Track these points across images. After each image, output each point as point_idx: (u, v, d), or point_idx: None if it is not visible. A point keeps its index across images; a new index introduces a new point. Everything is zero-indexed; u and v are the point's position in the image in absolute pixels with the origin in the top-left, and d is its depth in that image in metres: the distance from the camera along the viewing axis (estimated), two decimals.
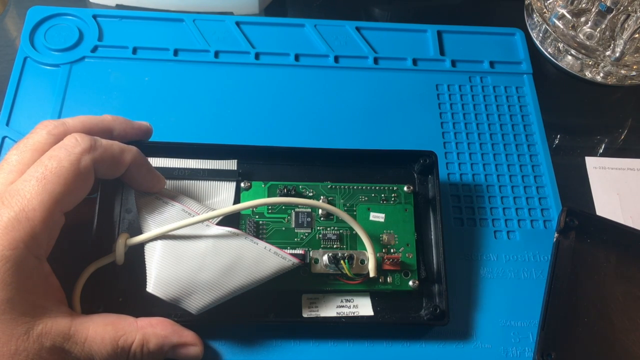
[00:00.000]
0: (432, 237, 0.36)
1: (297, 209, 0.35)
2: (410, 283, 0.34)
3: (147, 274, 0.31)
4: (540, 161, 0.42)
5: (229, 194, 0.35)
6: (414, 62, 0.45)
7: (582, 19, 0.47)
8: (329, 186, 0.36)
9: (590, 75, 0.47)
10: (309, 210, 0.35)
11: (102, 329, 0.28)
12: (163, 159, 0.35)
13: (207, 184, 0.35)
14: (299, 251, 0.33)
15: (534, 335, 0.35)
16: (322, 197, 0.36)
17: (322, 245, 0.34)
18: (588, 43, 0.46)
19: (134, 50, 0.43)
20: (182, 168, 0.35)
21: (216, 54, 0.44)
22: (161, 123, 0.40)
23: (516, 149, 0.42)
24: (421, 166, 0.36)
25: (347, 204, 0.36)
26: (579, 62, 0.47)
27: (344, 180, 0.36)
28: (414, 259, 0.35)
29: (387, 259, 0.34)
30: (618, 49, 0.44)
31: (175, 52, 0.44)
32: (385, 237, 0.35)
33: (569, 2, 0.46)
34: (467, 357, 0.34)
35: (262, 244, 0.32)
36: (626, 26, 0.43)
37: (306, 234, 0.35)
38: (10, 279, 0.25)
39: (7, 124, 0.40)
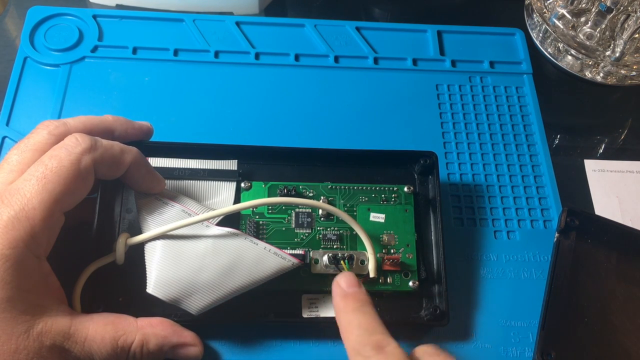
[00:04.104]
0: (432, 237, 0.36)
1: (297, 209, 0.35)
2: (410, 283, 0.34)
3: (147, 275, 0.30)
4: (540, 161, 0.42)
5: (229, 194, 0.35)
6: (414, 62, 0.45)
7: (582, 19, 0.47)
8: (329, 186, 0.36)
9: (590, 75, 0.47)
10: (309, 210, 0.35)
11: (102, 328, 0.28)
12: (163, 159, 0.35)
13: (208, 184, 0.35)
14: (299, 251, 0.33)
15: (534, 335, 0.35)
16: (322, 198, 0.36)
17: (322, 246, 0.34)
18: (588, 43, 0.46)
19: (134, 50, 0.43)
20: (182, 168, 0.35)
21: (216, 54, 0.44)
22: (161, 123, 0.39)
23: (516, 149, 0.42)
24: (421, 166, 0.36)
25: (347, 205, 0.36)
26: (579, 62, 0.47)
27: (344, 181, 0.36)
28: (414, 260, 0.35)
29: (387, 260, 0.34)
30: (618, 49, 0.44)
31: (175, 52, 0.44)
32: (385, 237, 0.35)
33: (569, 2, 0.46)
34: (467, 357, 0.34)
35: (262, 244, 0.32)
36: (626, 26, 0.43)
37: (306, 234, 0.35)
38: (10, 277, 0.25)
39: (7, 124, 0.40)
